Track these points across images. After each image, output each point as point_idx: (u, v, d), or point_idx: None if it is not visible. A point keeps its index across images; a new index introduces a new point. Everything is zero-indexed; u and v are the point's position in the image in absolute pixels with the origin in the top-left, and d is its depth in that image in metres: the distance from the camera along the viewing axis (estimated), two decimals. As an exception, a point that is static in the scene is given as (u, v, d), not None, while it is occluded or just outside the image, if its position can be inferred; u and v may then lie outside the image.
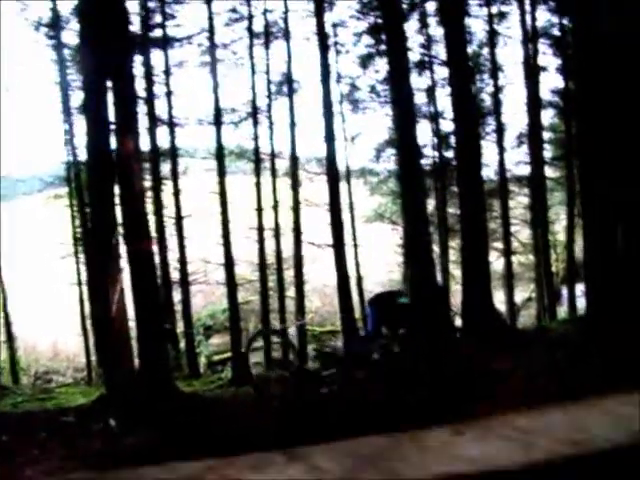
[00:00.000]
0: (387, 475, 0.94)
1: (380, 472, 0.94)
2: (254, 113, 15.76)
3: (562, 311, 17.93)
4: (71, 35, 14.57)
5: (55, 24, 14.66)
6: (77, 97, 14.66)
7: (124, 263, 8.68)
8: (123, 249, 8.71)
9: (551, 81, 18.41)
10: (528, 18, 16.53)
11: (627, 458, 0.91)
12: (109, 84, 9.04)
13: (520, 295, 20.09)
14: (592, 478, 0.92)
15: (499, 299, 17.50)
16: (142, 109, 15.12)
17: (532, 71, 16.45)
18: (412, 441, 0.99)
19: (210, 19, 15.28)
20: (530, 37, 16.53)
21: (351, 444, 0.98)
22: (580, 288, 13.79)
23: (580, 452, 0.93)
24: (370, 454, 0.98)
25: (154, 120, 15.31)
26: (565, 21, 15.77)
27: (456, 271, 15.75)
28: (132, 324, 8.87)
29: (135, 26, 15.17)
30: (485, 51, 17.32)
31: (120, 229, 8.69)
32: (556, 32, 16.79)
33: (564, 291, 18.83)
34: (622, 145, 9.43)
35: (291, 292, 16.02)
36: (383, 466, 0.95)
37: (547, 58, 17.20)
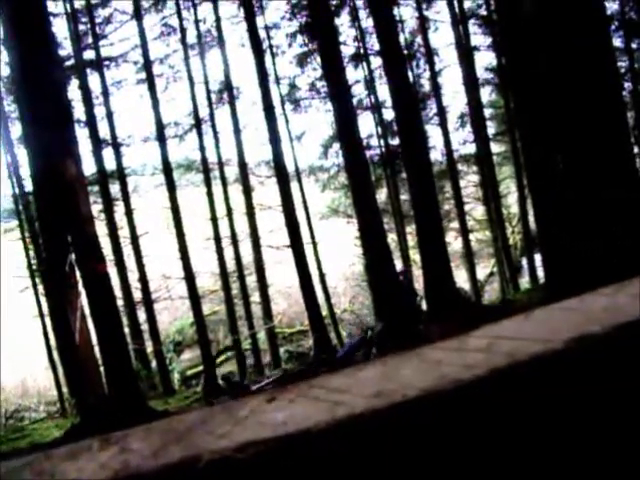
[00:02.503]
0: (191, 449, 1.00)
1: (185, 447, 1.00)
2: (197, 124, 15.70)
3: (524, 282, 18.31)
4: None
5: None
6: (17, 128, 14.40)
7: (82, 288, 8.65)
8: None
9: (485, 59, 18.76)
10: (455, 0, 16.80)
11: (433, 404, 0.97)
12: (46, 111, 8.98)
13: (482, 271, 20.41)
14: (393, 427, 0.99)
15: (463, 278, 17.81)
16: (84, 132, 14.99)
17: (466, 52, 16.74)
18: (224, 412, 1.05)
19: (142, 35, 15.15)
20: (460, 19, 16.82)
21: (167, 422, 1.04)
22: (539, 258, 14.08)
23: (382, 403, 1.00)
24: (182, 430, 1.04)
25: (98, 142, 15.15)
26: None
27: (417, 256, 15.94)
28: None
29: (67, 49, 15.05)
30: (418, 37, 17.61)
31: (73, 255, 8.64)
32: (483, 12, 17.17)
33: (524, 262, 19.23)
34: (557, 111, 9.64)
35: (256, 297, 16.02)
36: (189, 441, 1.02)
37: (478, 38, 17.60)
